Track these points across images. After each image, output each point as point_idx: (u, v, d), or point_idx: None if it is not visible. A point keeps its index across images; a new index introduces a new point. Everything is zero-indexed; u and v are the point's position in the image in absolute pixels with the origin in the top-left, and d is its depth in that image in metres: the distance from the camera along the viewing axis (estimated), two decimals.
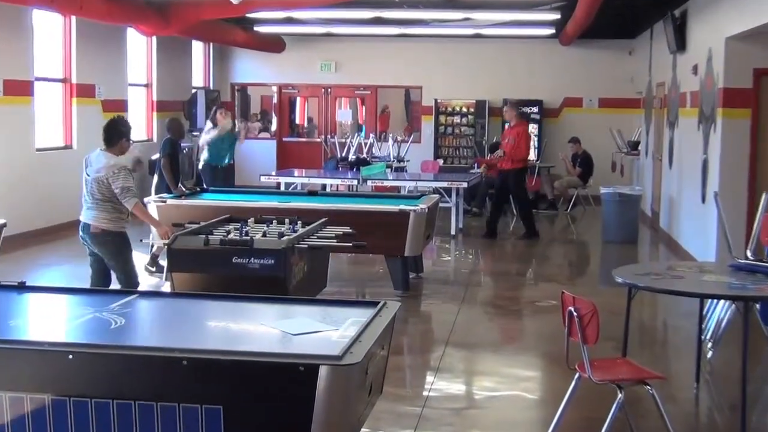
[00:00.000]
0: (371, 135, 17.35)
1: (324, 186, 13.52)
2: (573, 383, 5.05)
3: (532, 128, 17.81)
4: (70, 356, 3.70)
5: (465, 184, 13.18)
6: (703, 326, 6.75)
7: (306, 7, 13.30)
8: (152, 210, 8.87)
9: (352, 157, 15.84)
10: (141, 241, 7.73)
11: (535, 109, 17.88)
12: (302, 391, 3.56)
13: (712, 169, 9.94)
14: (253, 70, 19.17)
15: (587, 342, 4.78)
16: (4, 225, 7.16)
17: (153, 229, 7.59)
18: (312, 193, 10.49)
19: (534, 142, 17.77)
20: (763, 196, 7.06)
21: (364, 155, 16.05)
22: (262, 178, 13.83)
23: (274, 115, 20.06)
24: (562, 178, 16.59)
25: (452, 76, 18.27)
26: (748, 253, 6.68)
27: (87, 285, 6.89)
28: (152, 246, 9.35)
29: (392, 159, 16.03)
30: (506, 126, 14.17)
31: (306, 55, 18.70)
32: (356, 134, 17.30)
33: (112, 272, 7.00)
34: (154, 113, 15.96)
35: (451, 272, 11.18)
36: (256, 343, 4.20)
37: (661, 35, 13.31)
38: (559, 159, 16.74)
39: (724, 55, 9.57)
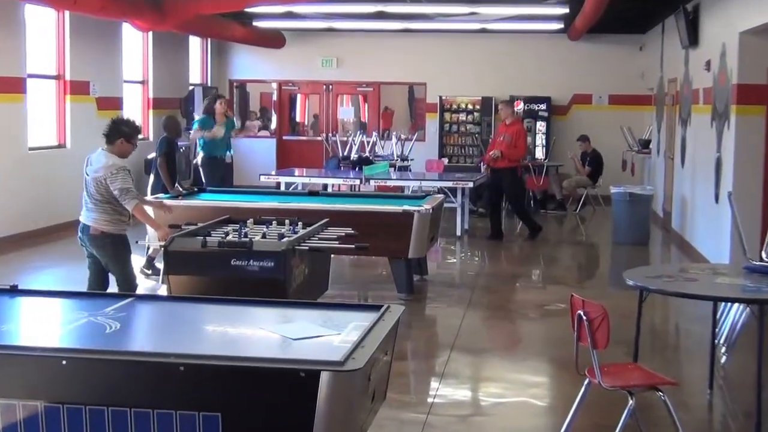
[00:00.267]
0: (374, 133, 17.35)
1: (325, 186, 13.53)
2: (582, 389, 5.05)
3: (540, 126, 17.89)
4: (64, 362, 3.70)
5: (470, 184, 13.17)
6: (717, 330, 6.75)
7: (306, 1, 13.31)
8: (148, 211, 8.87)
9: (354, 156, 15.84)
10: (137, 242, 7.72)
11: (543, 107, 17.88)
12: (303, 398, 3.56)
13: (726, 167, 9.92)
14: (252, 66, 19.18)
15: (597, 347, 4.77)
16: None
17: (149, 230, 7.60)
18: (313, 193, 10.49)
19: (542, 140, 17.84)
20: None
21: (367, 154, 16.05)
22: (262, 178, 13.83)
23: (273, 112, 20.07)
24: (571, 178, 16.58)
25: (457, 72, 18.27)
26: (763, 255, 6.68)
27: (83, 288, 6.89)
28: (148, 248, 9.36)
29: (396, 158, 16.03)
30: (499, 123, 14.12)
31: (306, 51, 18.71)
32: (359, 132, 17.29)
33: (110, 275, 7.02)
34: (150, 111, 15.97)
35: (456, 275, 11.18)
36: (256, 348, 4.20)
37: (672, 30, 13.30)
38: (568, 158, 16.74)
39: (738, 51, 9.56)
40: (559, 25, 15.83)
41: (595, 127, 17.24)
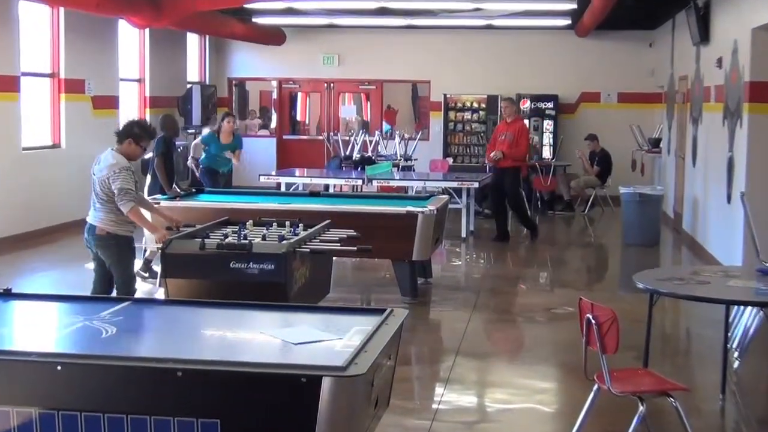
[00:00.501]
0: (376, 132, 17.35)
1: (327, 186, 13.52)
2: (591, 395, 5.05)
3: (547, 125, 17.88)
4: (59, 367, 3.71)
5: (476, 184, 13.17)
6: (729, 334, 6.74)
7: None
8: (145, 212, 8.87)
9: (356, 155, 15.85)
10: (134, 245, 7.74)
11: (550, 105, 17.88)
12: (304, 404, 3.56)
13: (738, 167, 9.92)
14: (251, 64, 19.20)
15: (606, 351, 4.77)
16: None
17: (146, 232, 7.60)
18: (314, 194, 10.49)
19: (549, 139, 17.83)
20: None
21: (369, 154, 16.06)
22: (262, 179, 13.83)
23: (273, 111, 20.08)
24: (579, 178, 16.57)
25: (462, 70, 18.27)
26: None
27: (78, 291, 6.90)
28: (145, 250, 9.37)
29: (399, 157, 16.03)
30: (500, 121, 14.06)
31: (307, 48, 18.72)
32: (361, 131, 17.30)
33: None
34: (147, 110, 15.98)
35: (461, 277, 11.19)
36: (255, 353, 4.20)
37: (683, 26, 13.29)
38: (576, 157, 16.73)
39: (750, 47, 9.55)
40: (567, 21, 15.84)
41: (603, 125, 17.23)
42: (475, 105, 18.48)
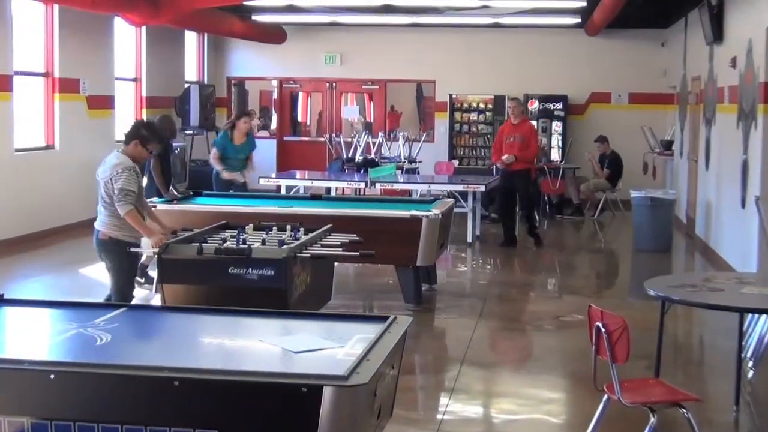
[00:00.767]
0: (380, 134, 17.35)
1: (328, 189, 13.54)
2: (601, 406, 5.05)
3: (556, 126, 17.88)
4: (52, 376, 3.71)
5: (482, 188, 13.16)
6: (744, 343, 6.73)
7: None
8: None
9: (359, 157, 15.86)
10: (129, 249, 7.73)
11: (559, 106, 17.87)
12: (304, 414, 3.56)
13: (753, 170, 9.91)
14: (251, 63, 19.22)
15: (616, 361, 4.77)
16: None
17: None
18: (315, 197, 10.51)
19: (558, 141, 17.83)
20: None
21: (372, 156, 16.06)
22: (261, 181, 13.83)
23: (274, 111, 20.10)
24: (589, 181, 16.57)
25: (468, 69, 18.28)
26: None
27: (72, 297, 6.91)
28: (141, 255, 9.35)
29: (403, 160, 16.03)
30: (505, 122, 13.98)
31: (309, 47, 18.74)
32: (364, 133, 17.30)
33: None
34: (144, 110, 16.00)
35: (467, 284, 11.18)
36: (255, 361, 4.20)
37: (696, 25, 13.29)
38: (586, 160, 16.72)
39: (765, 47, 9.55)
40: (576, 20, 15.85)
41: (614, 127, 17.24)
42: (482, 106, 18.48)
